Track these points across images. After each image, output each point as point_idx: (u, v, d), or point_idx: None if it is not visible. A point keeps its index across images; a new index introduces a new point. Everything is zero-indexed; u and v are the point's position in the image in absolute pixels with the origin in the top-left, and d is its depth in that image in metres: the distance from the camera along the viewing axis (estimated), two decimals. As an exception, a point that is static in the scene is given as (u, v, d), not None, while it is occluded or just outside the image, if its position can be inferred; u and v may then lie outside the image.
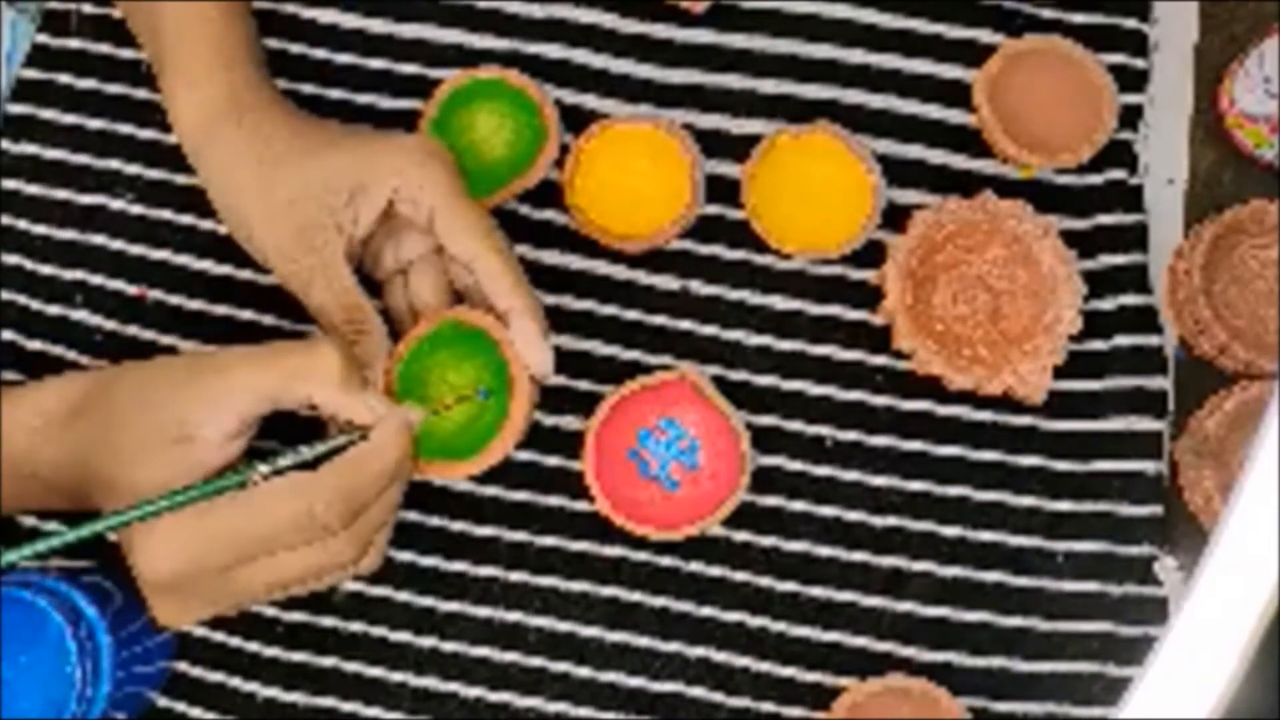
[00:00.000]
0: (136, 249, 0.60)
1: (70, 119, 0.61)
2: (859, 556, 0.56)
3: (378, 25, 0.62)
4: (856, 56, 0.62)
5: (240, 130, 0.53)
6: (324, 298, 0.51)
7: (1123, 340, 0.58)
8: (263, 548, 0.45)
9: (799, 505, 0.57)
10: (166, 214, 0.60)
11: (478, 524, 0.57)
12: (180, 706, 0.55)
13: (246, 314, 0.59)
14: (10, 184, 0.61)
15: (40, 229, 0.60)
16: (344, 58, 0.62)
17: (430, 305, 0.54)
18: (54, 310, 0.59)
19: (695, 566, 0.56)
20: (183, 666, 0.55)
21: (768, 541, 0.57)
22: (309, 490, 0.45)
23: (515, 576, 0.56)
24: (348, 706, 0.55)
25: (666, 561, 0.56)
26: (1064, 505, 0.57)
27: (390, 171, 0.52)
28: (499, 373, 0.51)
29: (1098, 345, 0.58)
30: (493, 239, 0.51)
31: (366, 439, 0.47)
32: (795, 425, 0.58)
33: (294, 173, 0.52)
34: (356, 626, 0.56)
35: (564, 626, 0.56)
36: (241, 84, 0.55)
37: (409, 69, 0.62)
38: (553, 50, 0.62)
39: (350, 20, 0.62)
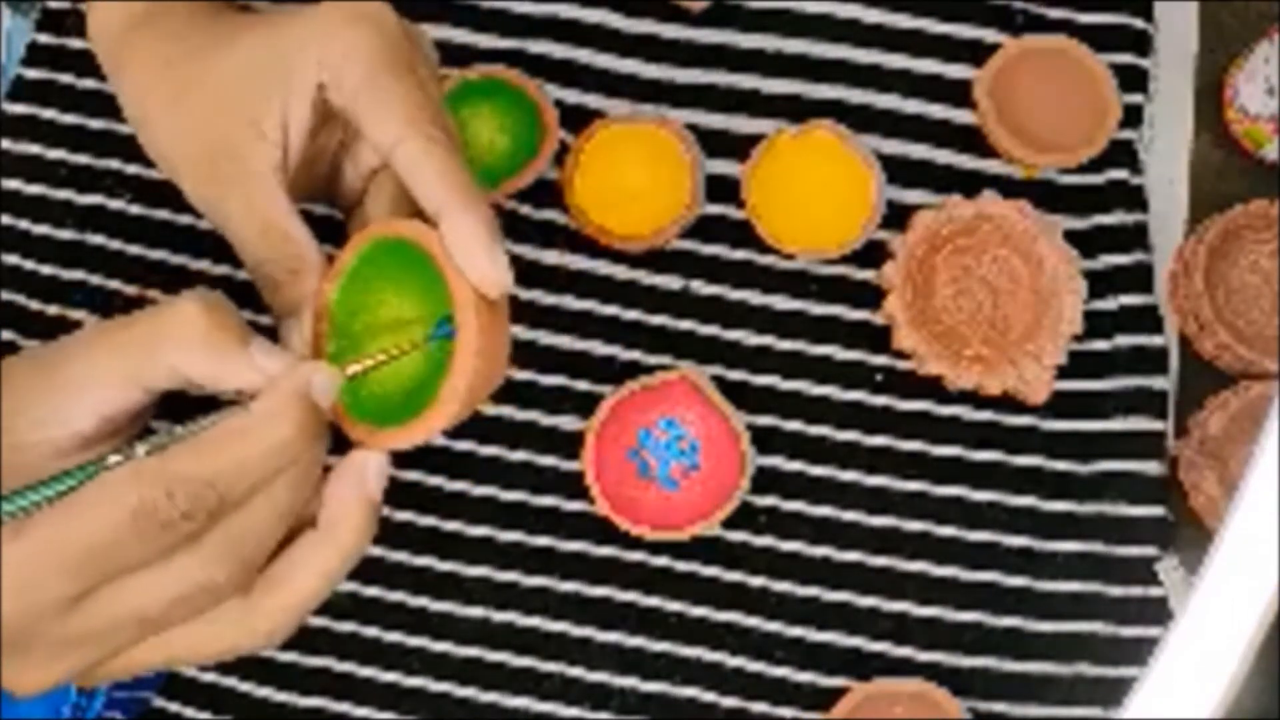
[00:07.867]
0: (136, 249, 0.60)
1: (70, 119, 0.61)
2: (858, 556, 0.56)
3: (377, 25, 0.62)
4: (860, 56, 0.61)
5: (152, 32, 0.44)
6: (244, 226, 0.41)
7: (1124, 340, 0.58)
8: (100, 565, 0.34)
9: (798, 505, 0.57)
10: (166, 214, 0.60)
11: (471, 524, 0.56)
12: (175, 706, 0.55)
13: (244, 314, 0.59)
14: (10, 184, 0.61)
15: (40, 229, 0.60)
16: (343, 57, 0.62)
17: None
18: (53, 310, 0.59)
19: (689, 566, 0.56)
20: (179, 667, 0.55)
21: (766, 541, 0.56)
22: (147, 479, 0.34)
23: (508, 576, 0.56)
24: (340, 707, 0.55)
25: (659, 561, 0.56)
26: (1064, 505, 0.57)
27: (311, 45, 0.40)
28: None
29: (1099, 345, 0.58)
30: (422, 120, 0.40)
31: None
32: (795, 425, 0.58)
33: (202, 70, 0.42)
34: (349, 626, 0.56)
35: (557, 626, 0.55)
36: None
37: (409, 68, 0.61)
38: (555, 50, 0.62)
39: (350, 20, 0.62)
